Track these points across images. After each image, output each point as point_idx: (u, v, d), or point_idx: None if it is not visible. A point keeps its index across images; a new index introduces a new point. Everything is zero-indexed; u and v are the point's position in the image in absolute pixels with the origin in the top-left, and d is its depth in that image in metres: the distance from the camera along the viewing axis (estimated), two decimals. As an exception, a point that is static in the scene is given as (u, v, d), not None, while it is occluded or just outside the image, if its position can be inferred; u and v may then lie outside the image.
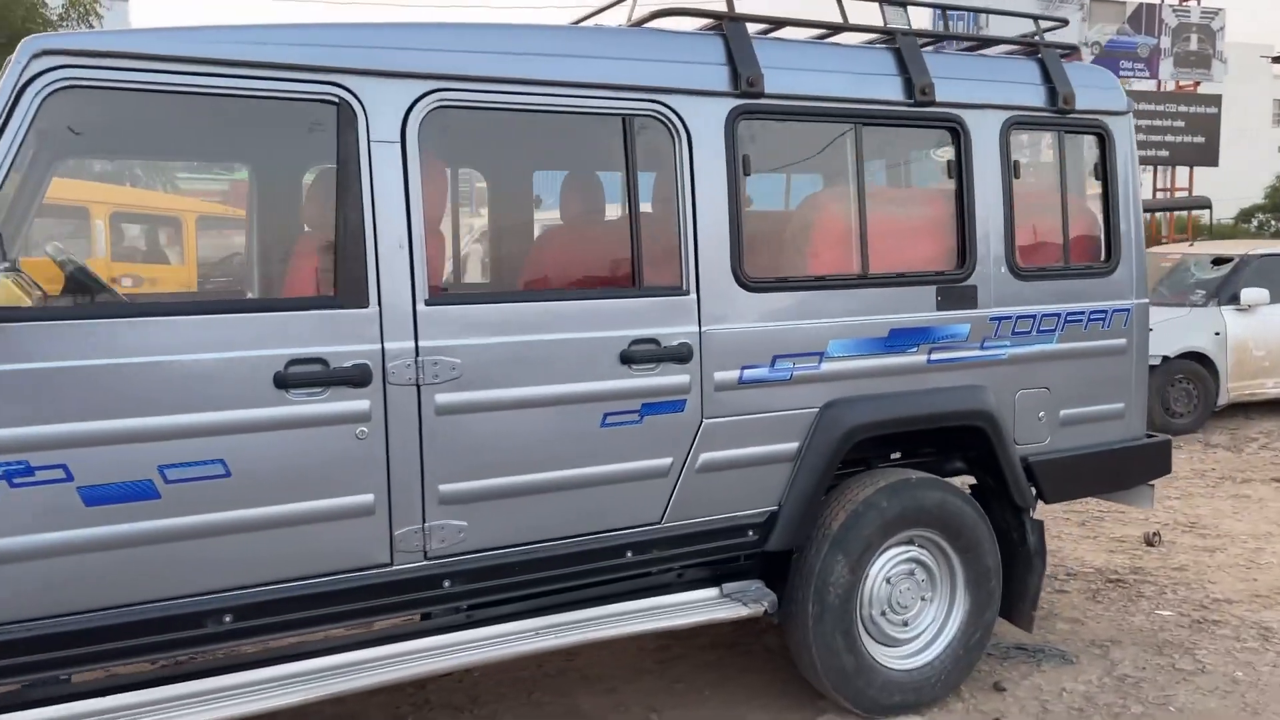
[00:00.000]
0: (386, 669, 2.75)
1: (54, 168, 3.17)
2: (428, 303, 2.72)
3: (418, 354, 2.71)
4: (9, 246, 2.44)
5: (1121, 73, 17.77)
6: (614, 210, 3.21)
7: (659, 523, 3.09)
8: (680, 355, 3.05)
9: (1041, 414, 3.74)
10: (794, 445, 3.26)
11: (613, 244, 3.13)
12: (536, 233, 3.77)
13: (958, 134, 3.53)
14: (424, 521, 2.75)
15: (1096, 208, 3.91)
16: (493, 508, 2.84)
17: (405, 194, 2.69)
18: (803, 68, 3.29)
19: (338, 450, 2.63)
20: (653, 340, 3.01)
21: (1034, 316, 3.69)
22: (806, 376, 3.26)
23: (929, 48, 3.62)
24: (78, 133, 2.93)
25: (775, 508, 3.26)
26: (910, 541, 3.52)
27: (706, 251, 3.09)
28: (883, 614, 3.49)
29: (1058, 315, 3.74)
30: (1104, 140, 3.85)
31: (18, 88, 2.31)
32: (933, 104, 3.46)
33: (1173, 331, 8.25)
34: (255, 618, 2.58)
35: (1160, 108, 18.78)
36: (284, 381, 2.55)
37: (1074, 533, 5.64)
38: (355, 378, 2.63)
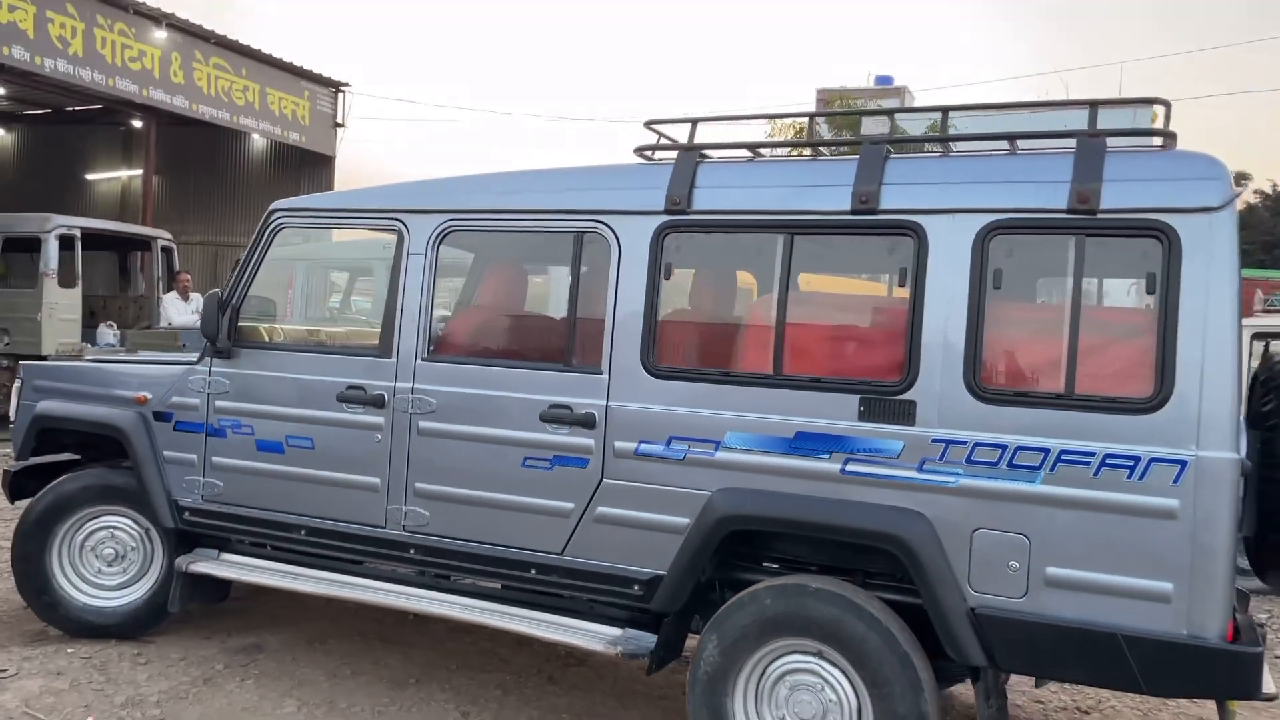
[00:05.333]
0: (376, 594, 4.19)
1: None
2: (424, 359, 4.09)
3: (413, 392, 4.09)
4: (271, 313, 4.63)
5: None
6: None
7: (559, 554, 3.82)
8: (586, 421, 3.76)
9: (1014, 564, 3.18)
10: (684, 520, 3.60)
11: (555, 328, 3.98)
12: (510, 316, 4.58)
13: (915, 241, 3.34)
14: (405, 504, 4.10)
15: (1149, 326, 3.08)
16: (446, 507, 4.02)
17: (422, 286, 4.11)
18: (733, 185, 3.63)
19: (364, 446, 4.18)
20: (566, 407, 3.80)
21: (1003, 447, 3.19)
22: (700, 461, 3.58)
23: (928, 152, 3.45)
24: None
25: (662, 572, 3.64)
26: (819, 654, 3.43)
27: (620, 340, 3.73)
28: (782, 718, 3.48)
29: (1043, 451, 3.14)
30: (1168, 244, 3.05)
31: (265, 224, 4.48)
32: (874, 211, 3.38)
33: None
34: (316, 536, 4.28)
35: None
36: (342, 398, 4.22)
37: None
38: (378, 401, 4.15)
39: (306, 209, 4.47)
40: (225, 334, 4.46)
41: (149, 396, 4.67)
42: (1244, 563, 3.65)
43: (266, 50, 16.51)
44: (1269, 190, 46.59)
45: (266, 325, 4.66)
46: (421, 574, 4.24)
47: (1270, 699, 3.19)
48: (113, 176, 21.09)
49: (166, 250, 13.05)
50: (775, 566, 3.76)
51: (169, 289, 12.44)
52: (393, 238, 4.24)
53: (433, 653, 4.92)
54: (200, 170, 19.21)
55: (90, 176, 21.19)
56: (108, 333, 12.08)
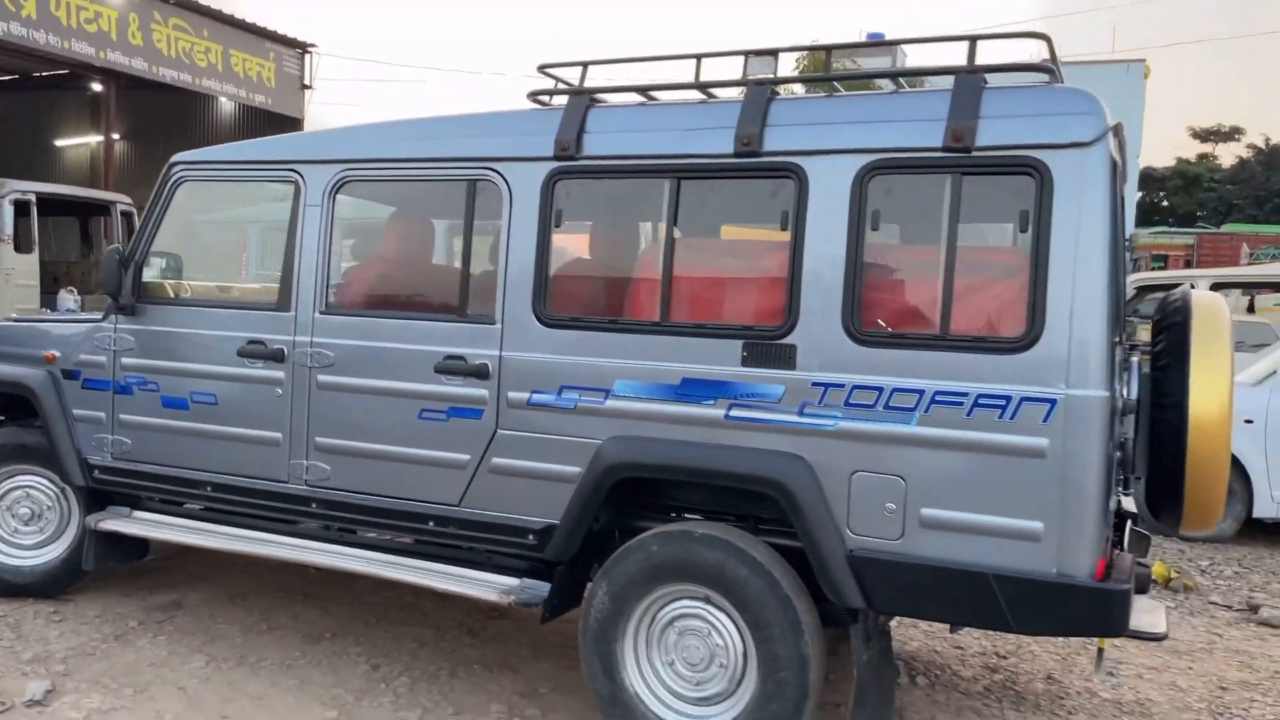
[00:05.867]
0: (279, 549, 4.18)
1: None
2: (321, 313, 4.04)
3: (311, 345, 4.05)
4: (179, 267, 4.58)
5: None
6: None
7: (457, 505, 3.80)
8: (480, 373, 3.73)
9: (891, 506, 3.17)
10: (576, 469, 3.58)
11: (449, 279, 3.94)
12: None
13: (796, 182, 3.30)
14: (306, 459, 4.07)
15: (1021, 265, 3.05)
16: (345, 460, 4.00)
17: (319, 238, 4.06)
18: (622, 130, 3.57)
19: (265, 401, 4.14)
20: (461, 358, 3.77)
21: (879, 389, 3.17)
22: (590, 409, 3.55)
23: (825, 93, 3.40)
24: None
25: (555, 521, 3.63)
26: (707, 600, 3.42)
27: (513, 290, 3.69)
28: (671, 664, 3.49)
29: (919, 392, 3.12)
30: (1040, 181, 3.01)
31: (165, 178, 4.42)
32: (756, 154, 3.33)
33: None
34: (221, 492, 4.26)
35: None
36: (243, 353, 4.18)
37: None
38: (277, 356, 4.11)
39: (206, 161, 4.41)
40: (129, 290, 4.41)
41: (57, 354, 4.63)
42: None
43: (228, 11, 16.29)
44: (1262, 145, 46.40)
45: (172, 281, 4.61)
46: (326, 528, 4.23)
47: (1159, 638, 3.20)
48: (81, 142, 20.92)
49: (126, 214, 12.94)
50: (697, 517, 3.72)
51: (129, 254, 12.34)
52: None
53: (352, 608, 4.93)
54: (169, 135, 18.96)
55: (60, 142, 21.01)
56: (68, 298, 11.95)
